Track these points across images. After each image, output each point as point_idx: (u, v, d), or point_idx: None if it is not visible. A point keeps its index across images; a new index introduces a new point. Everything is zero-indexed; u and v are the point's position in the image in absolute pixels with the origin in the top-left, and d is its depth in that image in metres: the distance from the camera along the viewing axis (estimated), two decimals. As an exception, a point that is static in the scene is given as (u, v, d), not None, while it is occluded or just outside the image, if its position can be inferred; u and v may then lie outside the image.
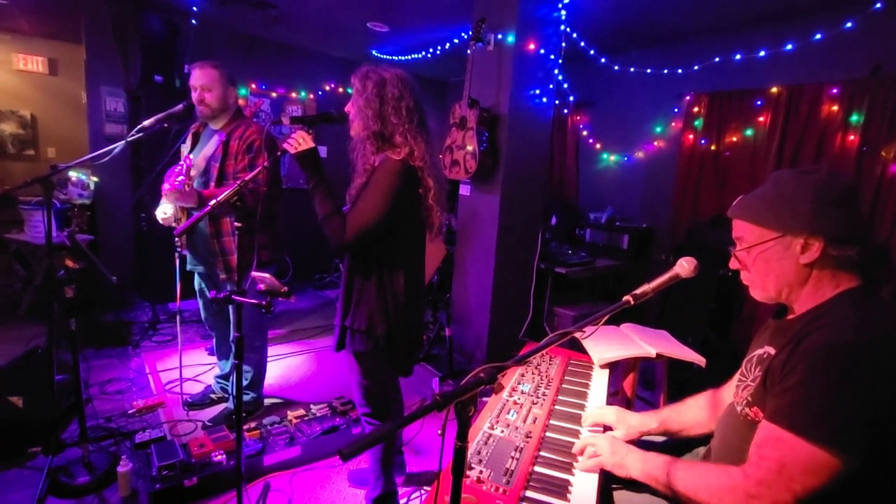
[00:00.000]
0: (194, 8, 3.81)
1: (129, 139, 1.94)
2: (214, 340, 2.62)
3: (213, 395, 2.61)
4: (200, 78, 2.16)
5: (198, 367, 3.01)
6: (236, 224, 1.58)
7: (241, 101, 2.76)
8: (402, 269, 1.59)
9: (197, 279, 2.47)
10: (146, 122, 1.95)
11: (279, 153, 1.61)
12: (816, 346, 0.89)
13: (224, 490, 1.92)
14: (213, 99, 2.18)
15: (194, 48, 3.90)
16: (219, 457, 1.96)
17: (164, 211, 2.22)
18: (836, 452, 0.83)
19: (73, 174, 3.92)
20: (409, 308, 1.62)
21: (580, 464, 1.15)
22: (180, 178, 1.92)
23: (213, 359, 3.14)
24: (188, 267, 2.40)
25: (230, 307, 2.24)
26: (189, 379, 2.86)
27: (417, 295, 1.67)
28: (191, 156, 2.26)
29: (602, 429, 1.33)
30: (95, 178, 4.01)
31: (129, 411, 2.45)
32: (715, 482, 0.95)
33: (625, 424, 1.31)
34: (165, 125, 2.00)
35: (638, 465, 1.08)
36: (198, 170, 2.22)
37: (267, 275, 1.42)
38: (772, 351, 1.02)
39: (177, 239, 1.86)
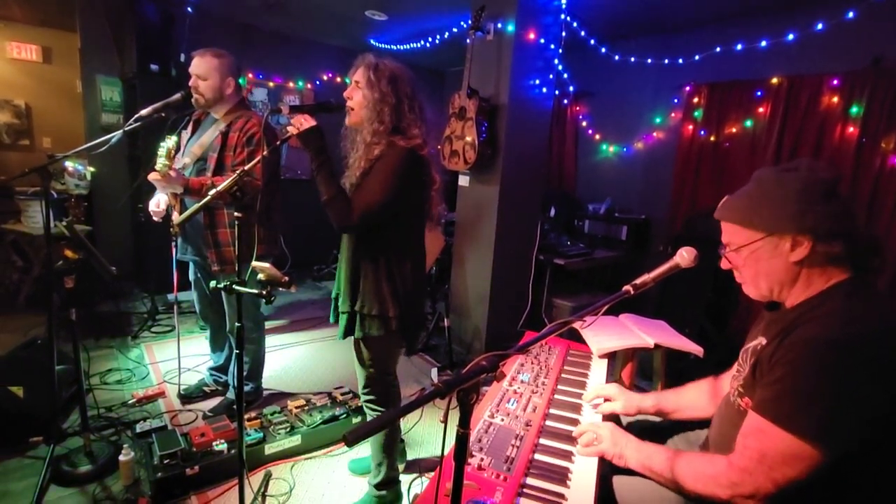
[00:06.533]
0: (190, -5, 3.77)
1: (126, 129, 1.92)
2: (209, 332, 2.62)
3: (206, 388, 2.60)
4: (197, 66, 2.13)
5: (198, 359, 3.01)
6: (236, 215, 1.57)
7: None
8: (408, 255, 1.65)
9: (192, 270, 2.45)
10: (143, 112, 1.93)
11: (284, 137, 1.60)
12: (802, 340, 0.90)
13: (225, 478, 1.93)
14: (206, 88, 2.14)
15: (190, 36, 3.85)
16: (220, 446, 1.98)
17: (158, 202, 2.20)
18: (815, 445, 0.84)
19: (69, 164, 3.88)
20: (416, 291, 1.69)
21: (581, 450, 1.17)
22: (164, 162, 1.89)
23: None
24: (178, 255, 2.36)
25: (224, 298, 2.26)
26: (189, 369, 2.86)
27: (422, 278, 1.75)
28: (189, 143, 2.24)
29: (602, 400, 1.41)
30: (92, 169, 3.98)
31: (130, 401, 2.47)
32: (702, 470, 0.99)
33: (623, 397, 1.37)
34: (163, 114, 1.98)
35: (635, 455, 1.11)
36: (192, 157, 2.19)
37: (267, 264, 1.42)
38: (763, 341, 1.03)
39: (171, 228, 1.84)
